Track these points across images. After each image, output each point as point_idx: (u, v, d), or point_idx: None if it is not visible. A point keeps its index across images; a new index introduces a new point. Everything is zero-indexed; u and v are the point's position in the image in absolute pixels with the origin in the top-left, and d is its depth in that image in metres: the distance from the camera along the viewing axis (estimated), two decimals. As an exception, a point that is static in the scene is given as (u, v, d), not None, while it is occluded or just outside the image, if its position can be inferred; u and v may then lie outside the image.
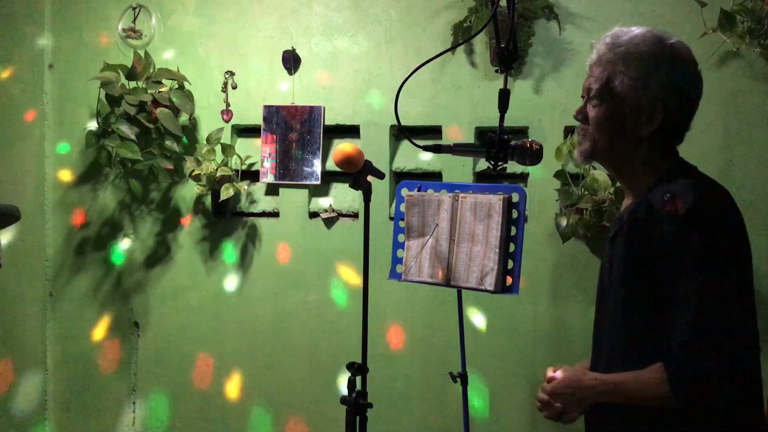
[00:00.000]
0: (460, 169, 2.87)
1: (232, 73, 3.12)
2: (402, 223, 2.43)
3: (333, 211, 3.06)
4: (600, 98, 1.61)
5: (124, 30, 3.19)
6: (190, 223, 3.23)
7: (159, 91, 3.08)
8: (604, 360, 1.64)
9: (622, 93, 1.58)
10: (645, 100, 1.57)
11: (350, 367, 2.00)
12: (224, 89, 3.12)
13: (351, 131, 3.06)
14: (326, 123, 3.04)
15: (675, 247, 1.45)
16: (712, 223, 1.46)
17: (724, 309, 1.43)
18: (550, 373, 1.72)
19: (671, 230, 1.46)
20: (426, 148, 1.88)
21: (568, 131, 2.72)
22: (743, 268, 1.51)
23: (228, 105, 3.12)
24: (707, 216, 1.46)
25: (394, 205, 2.64)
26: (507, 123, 1.75)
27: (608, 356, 1.62)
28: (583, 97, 1.68)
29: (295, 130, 3.06)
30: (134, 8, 3.21)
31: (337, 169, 2.62)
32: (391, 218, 2.94)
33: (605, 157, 1.68)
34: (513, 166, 2.78)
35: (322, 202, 3.09)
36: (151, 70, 3.10)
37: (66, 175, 3.35)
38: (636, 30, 1.60)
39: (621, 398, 1.54)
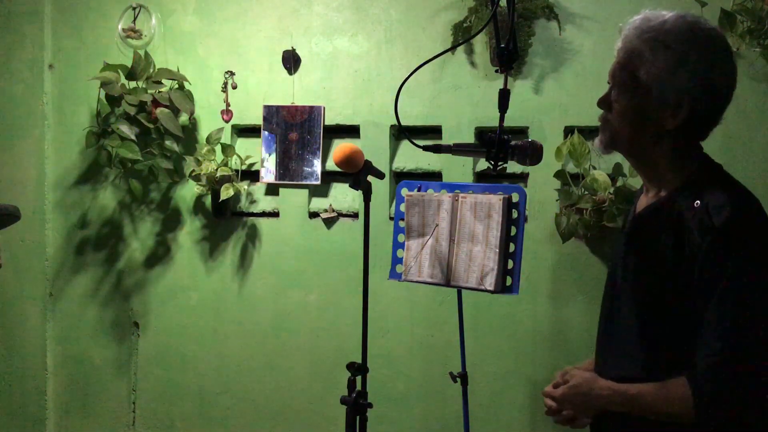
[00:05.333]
0: (460, 169, 2.87)
1: (232, 73, 3.12)
2: (402, 223, 2.43)
3: (333, 211, 3.06)
4: (623, 87, 1.52)
5: (124, 30, 3.19)
6: (190, 223, 3.23)
7: (159, 91, 3.08)
8: (614, 364, 1.58)
9: (647, 83, 1.48)
10: (671, 93, 1.46)
11: (350, 367, 2.00)
12: (224, 89, 3.12)
13: (351, 131, 3.06)
14: (326, 123, 3.04)
15: (708, 263, 1.37)
16: (748, 240, 1.38)
17: (758, 331, 1.35)
18: (558, 377, 1.66)
19: (704, 244, 1.38)
20: (426, 148, 1.88)
21: (568, 131, 2.72)
22: None
23: (228, 105, 3.12)
24: (743, 232, 1.38)
25: (394, 205, 2.64)
26: (507, 123, 1.74)
27: (621, 361, 1.55)
28: (609, 83, 1.57)
29: (295, 130, 3.06)
30: (134, 8, 3.21)
31: (337, 169, 2.62)
32: (391, 218, 2.94)
33: (625, 149, 1.58)
34: (513, 166, 2.77)
35: (322, 202, 3.09)
36: (151, 70, 3.10)
37: (66, 175, 3.35)
38: (667, 15, 1.49)
39: (637, 410, 1.47)
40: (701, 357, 1.38)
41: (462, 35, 2.79)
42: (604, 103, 1.58)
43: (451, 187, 2.41)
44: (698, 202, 1.42)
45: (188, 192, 3.21)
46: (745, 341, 1.35)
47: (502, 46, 1.71)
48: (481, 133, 2.88)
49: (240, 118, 3.15)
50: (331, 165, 3.02)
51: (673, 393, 1.41)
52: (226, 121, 3.13)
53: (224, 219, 3.18)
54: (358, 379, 2.01)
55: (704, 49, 1.47)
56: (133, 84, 3.09)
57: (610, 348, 1.63)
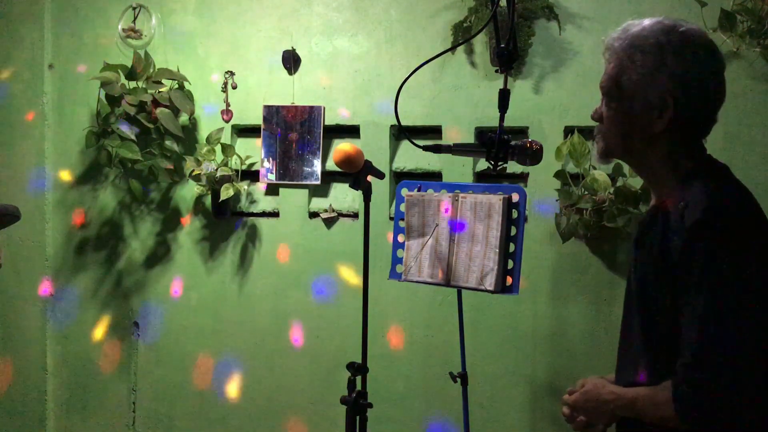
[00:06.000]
0: (460, 169, 2.87)
1: (232, 73, 3.12)
2: (402, 223, 2.43)
3: (333, 211, 3.06)
4: (610, 96, 1.55)
5: (124, 30, 3.19)
6: (190, 223, 3.23)
7: (159, 91, 3.08)
8: (627, 370, 1.59)
9: (630, 89, 1.51)
10: (653, 95, 1.49)
11: (350, 367, 2.00)
12: (224, 89, 3.12)
13: (351, 131, 3.06)
14: (326, 123, 3.04)
15: (682, 262, 1.39)
16: (720, 236, 1.37)
17: (732, 328, 1.35)
18: (578, 385, 1.67)
19: (679, 243, 1.39)
20: (426, 148, 1.88)
21: (568, 131, 2.71)
22: (760, 282, 1.39)
23: (228, 105, 3.12)
24: (715, 229, 1.37)
25: (394, 205, 2.64)
26: (507, 123, 1.74)
27: (631, 366, 1.57)
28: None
29: (295, 130, 3.06)
30: (134, 8, 3.21)
31: (337, 169, 2.62)
32: (391, 218, 2.94)
33: (621, 156, 1.61)
34: (513, 166, 2.77)
35: (322, 202, 3.09)
36: (151, 70, 3.10)
37: (66, 175, 3.35)
38: (646, 21, 1.52)
39: (636, 415, 1.49)
40: (680, 360, 1.40)
41: (462, 35, 2.79)
42: (596, 114, 1.61)
43: (451, 187, 2.41)
44: (683, 202, 1.43)
45: (188, 192, 3.21)
46: (714, 342, 1.35)
47: (502, 46, 1.71)
48: (481, 133, 2.88)
49: (240, 118, 3.15)
50: (331, 165, 3.02)
51: (659, 397, 1.43)
52: (226, 121, 3.13)
53: (224, 219, 3.18)
54: (358, 379, 2.01)
55: (681, 49, 1.48)
56: (133, 84, 3.09)
57: (624, 354, 1.64)
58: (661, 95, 1.49)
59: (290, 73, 3.07)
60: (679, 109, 1.49)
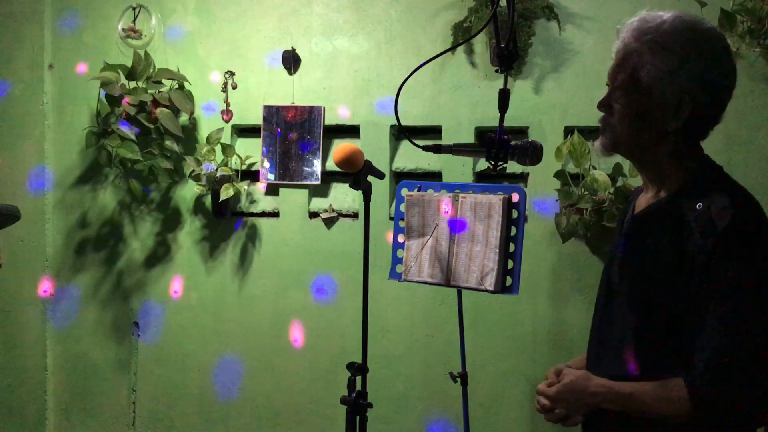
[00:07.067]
0: (460, 169, 2.87)
1: (232, 73, 3.12)
2: (402, 223, 2.43)
3: (333, 211, 3.06)
4: (624, 90, 1.52)
5: (124, 30, 3.19)
6: (190, 223, 3.23)
7: (159, 91, 3.08)
8: (610, 363, 1.58)
9: (648, 85, 1.48)
10: (672, 93, 1.47)
11: (350, 367, 2.00)
12: (224, 89, 3.12)
13: (351, 131, 3.06)
14: (326, 123, 3.04)
15: (709, 266, 1.38)
16: (749, 243, 1.39)
17: (756, 334, 1.37)
18: (551, 376, 1.67)
19: (705, 247, 1.39)
20: (426, 148, 1.88)
21: (568, 131, 2.72)
22: None
23: (228, 105, 3.12)
24: (744, 236, 1.39)
25: (394, 205, 2.64)
26: (507, 123, 1.73)
27: (616, 360, 1.55)
28: (608, 85, 1.58)
29: (295, 130, 3.06)
30: (134, 8, 3.21)
31: (337, 169, 2.62)
32: (391, 218, 2.94)
33: (628, 151, 1.59)
34: (513, 166, 2.78)
35: (322, 202, 3.09)
36: (151, 70, 3.10)
37: (66, 175, 3.35)
38: (665, 16, 1.50)
39: (631, 409, 1.48)
40: (699, 358, 1.39)
41: (462, 35, 2.79)
42: (604, 105, 1.58)
43: (451, 187, 2.41)
44: (700, 204, 1.42)
45: (188, 192, 3.21)
46: (743, 343, 1.36)
47: (502, 46, 1.71)
48: (481, 133, 2.88)
49: (240, 118, 3.15)
50: (331, 165, 3.02)
51: (670, 393, 1.42)
52: (226, 121, 3.13)
53: (224, 219, 3.18)
54: (358, 379, 2.01)
55: (703, 49, 1.48)
56: (133, 84, 3.09)
57: (605, 347, 1.63)
58: (679, 93, 1.47)
59: (290, 73, 3.07)
60: (694, 109, 1.48)
